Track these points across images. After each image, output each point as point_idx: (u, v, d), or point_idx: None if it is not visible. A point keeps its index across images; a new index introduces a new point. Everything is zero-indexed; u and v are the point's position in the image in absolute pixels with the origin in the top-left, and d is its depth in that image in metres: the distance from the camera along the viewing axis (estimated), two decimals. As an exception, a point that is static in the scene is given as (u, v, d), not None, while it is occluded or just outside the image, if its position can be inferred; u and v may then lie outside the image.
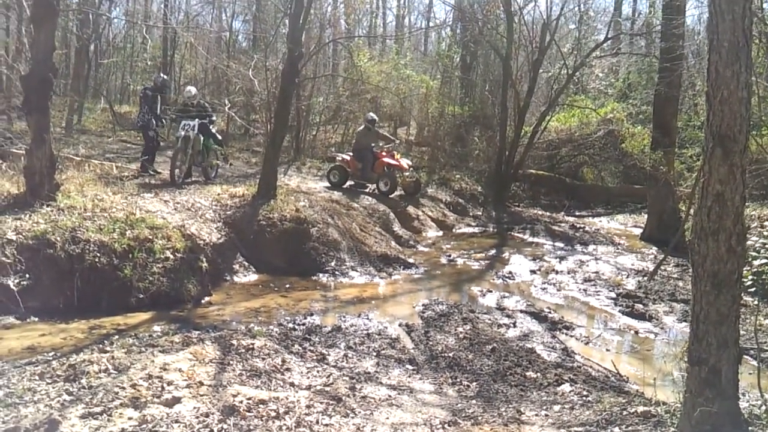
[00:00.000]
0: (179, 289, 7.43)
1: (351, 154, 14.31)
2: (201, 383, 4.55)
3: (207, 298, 7.70)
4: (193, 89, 12.41)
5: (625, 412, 4.26)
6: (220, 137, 12.18)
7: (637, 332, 7.41)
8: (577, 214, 17.43)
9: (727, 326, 3.59)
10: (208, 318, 7.02)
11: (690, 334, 3.72)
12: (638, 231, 14.82)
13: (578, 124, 19.98)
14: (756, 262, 6.31)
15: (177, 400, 4.27)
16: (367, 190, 13.84)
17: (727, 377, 3.58)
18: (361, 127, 14.70)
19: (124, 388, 4.28)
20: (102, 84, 24.66)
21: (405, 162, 14.42)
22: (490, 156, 18.80)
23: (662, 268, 10.80)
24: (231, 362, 5.06)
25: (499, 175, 17.41)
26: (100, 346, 5.53)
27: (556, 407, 4.76)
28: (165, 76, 13.04)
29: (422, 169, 17.45)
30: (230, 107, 15.10)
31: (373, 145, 14.12)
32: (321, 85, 22.05)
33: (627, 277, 10.18)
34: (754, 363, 5.78)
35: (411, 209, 13.75)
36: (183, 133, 10.98)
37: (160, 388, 4.36)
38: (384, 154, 13.97)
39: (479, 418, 4.53)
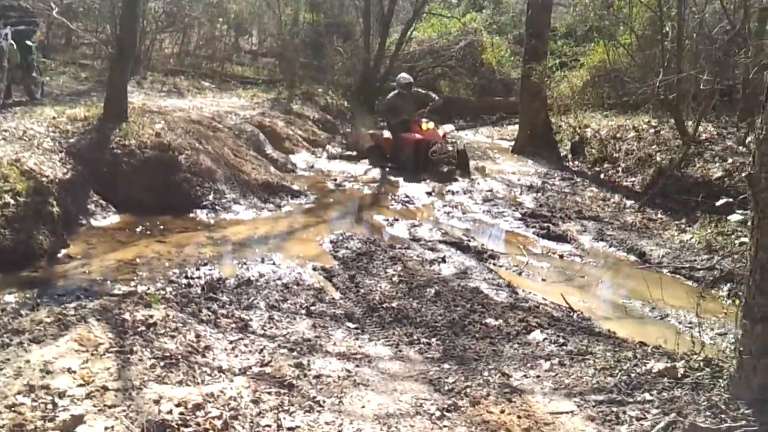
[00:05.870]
0: (27, 242, 5.79)
1: (387, 133, 11.19)
2: (105, 388, 3.30)
3: (64, 251, 6.11)
4: None
5: (641, 370, 3.67)
6: (30, 44, 9.81)
7: (561, 256, 7.01)
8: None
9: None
10: (71, 278, 5.55)
11: (748, 286, 3.11)
12: (506, 144, 14.63)
13: (438, 35, 19.25)
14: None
15: (79, 420, 3.02)
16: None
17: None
18: (393, 93, 11.59)
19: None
20: None
21: (440, 130, 11.01)
22: (354, 68, 17.58)
23: (550, 182, 10.64)
24: (134, 348, 3.79)
25: (364, 90, 16.33)
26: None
27: (544, 364, 4.08)
28: None
29: (279, 83, 15.89)
30: (58, 12, 12.35)
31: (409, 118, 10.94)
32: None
33: (521, 194, 9.82)
34: None
35: (280, 128, 12.37)
36: None
37: (50, 406, 3.07)
38: (414, 126, 10.85)
39: (468, 390, 3.73)
